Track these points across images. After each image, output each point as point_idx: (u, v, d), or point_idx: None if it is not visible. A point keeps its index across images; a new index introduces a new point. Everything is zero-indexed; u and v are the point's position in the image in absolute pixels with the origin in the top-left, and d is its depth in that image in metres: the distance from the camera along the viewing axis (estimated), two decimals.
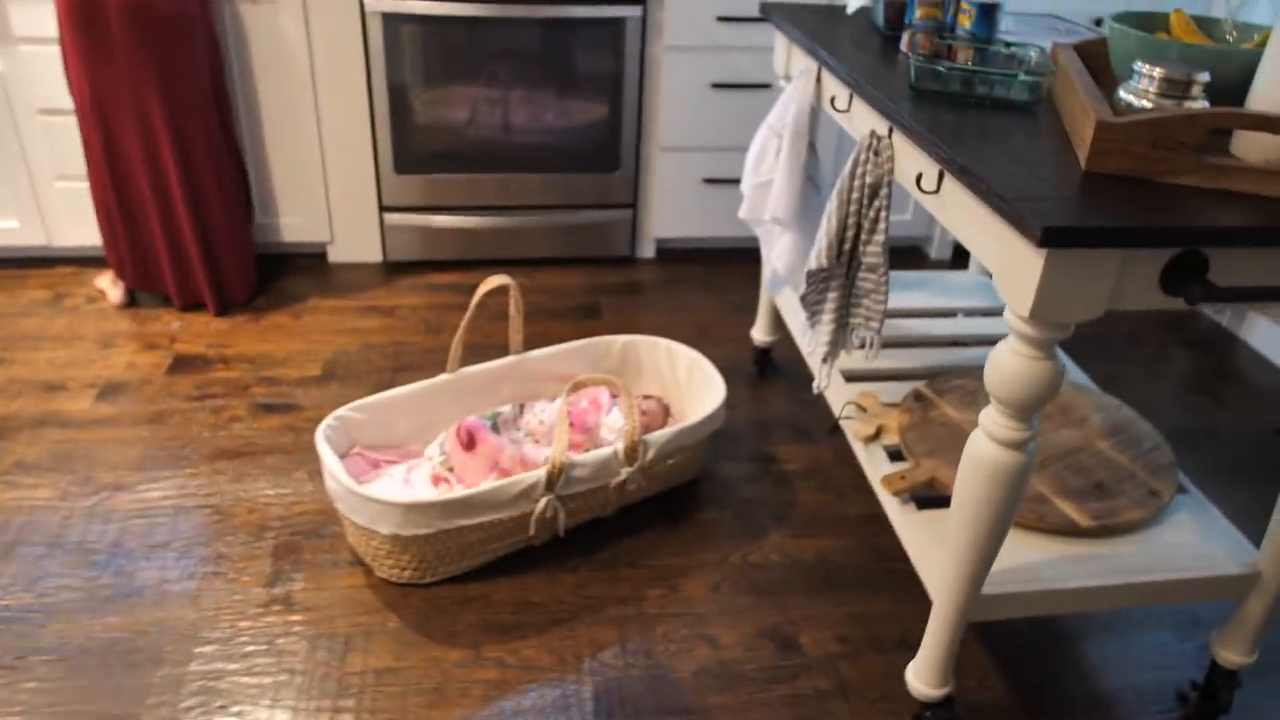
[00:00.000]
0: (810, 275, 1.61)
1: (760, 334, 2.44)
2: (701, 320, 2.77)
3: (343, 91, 2.70)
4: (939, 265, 3.18)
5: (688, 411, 2.18)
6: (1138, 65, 1.21)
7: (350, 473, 1.92)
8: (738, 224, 3.01)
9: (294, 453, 2.16)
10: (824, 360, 1.68)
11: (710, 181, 2.97)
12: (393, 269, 2.96)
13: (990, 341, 2.16)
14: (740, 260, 3.13)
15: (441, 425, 2.06)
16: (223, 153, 2.56)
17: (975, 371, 1.93)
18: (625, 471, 1.84)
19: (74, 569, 1.82)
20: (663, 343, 2.20)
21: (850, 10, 2.04)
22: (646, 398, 2.15)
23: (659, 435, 1.88)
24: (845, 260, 1.58)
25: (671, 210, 3.01)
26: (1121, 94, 1.23)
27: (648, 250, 3.11)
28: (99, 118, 2.40)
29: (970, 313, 2.28)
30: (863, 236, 1.56)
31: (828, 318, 1.64)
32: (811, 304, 1.67)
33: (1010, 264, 1.13)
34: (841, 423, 1.84)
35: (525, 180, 2.89)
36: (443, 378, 2.04)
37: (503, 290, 1.95)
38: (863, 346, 1.66)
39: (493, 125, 2.80)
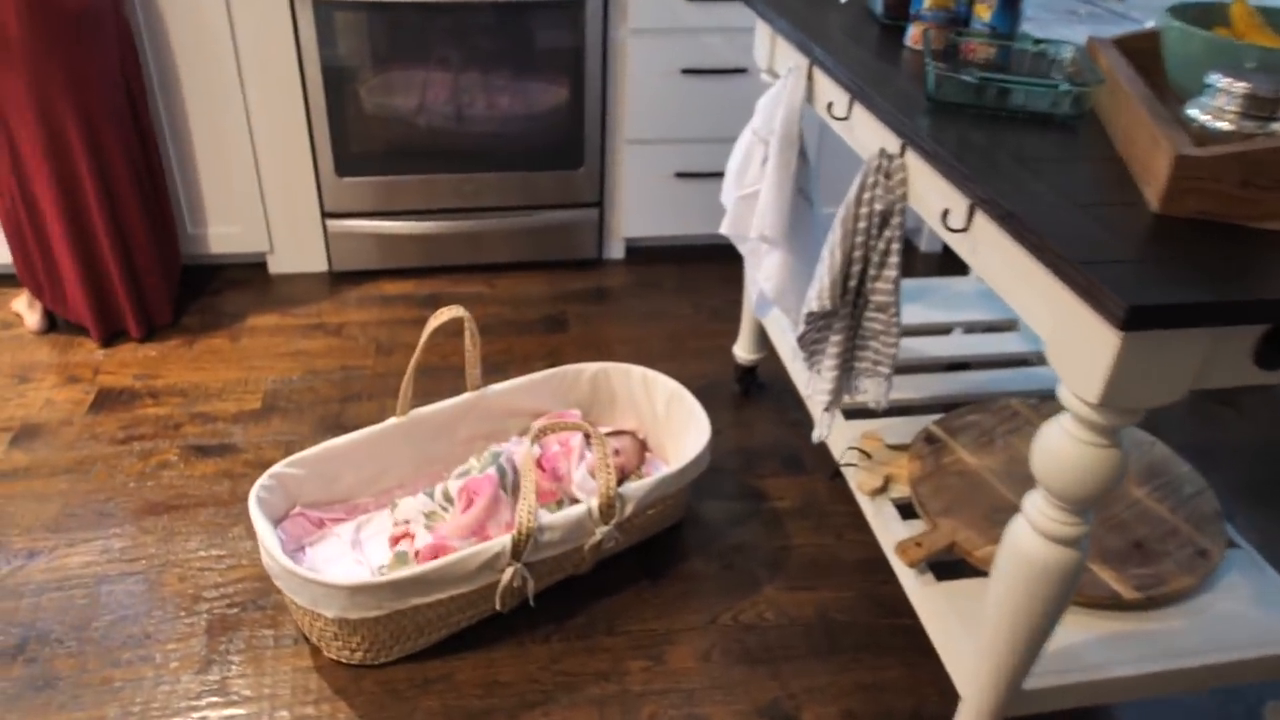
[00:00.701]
0: (810, 317, 1.40)
1: (744, 352, 2.23)
2: (676, 329, 2.56)
3: (273, 87, 2.43)
4: (929, 260, 2.98)
5: (667, 447, 1.97)
6: (1213, 79, 1.00)
7: (291, 536, 1.70)
8: (713, 221, 2.78)
9: (230, 504, 1.92)
10: (826, 409, 1.47)
11: (682, 175, 2.74)
12: (340, 279, 2.71)
13: (998, 364, 1.96)
14: (717, 260, 2.90)
15: (393, 475, 1.84)
16: (140, 159, 2.29)
17: (988, 404, 1.74)
18: (601, 531, 1.63)
19: None
20: (637, 371, 1.98)
21: None
22: (619, 433, 1.93)
23: (637, 488, 1.67)
24: (850, 299, 1.37)
25: (641, 208, 2.78)
26: (1193, 114, 1.02)
27: (616, 251, 2.88)
28: (1, 127, 2.12)
29: (971, 328, 2.08)
30: (871, 272, 1.34)
31: (830, 363, 1.43)
32: (810, 345, 1.46)
33: (1071, 337, 0.92)
34: (844, 469, 1.64)
35: (481, 180, 2.65)
36: (391, 422, 1.81)
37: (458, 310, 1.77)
38: (871, 378, 1.45)
39: (443, 122, 2.55)
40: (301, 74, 2.42)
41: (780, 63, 1.85)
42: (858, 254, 1.35)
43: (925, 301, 2.13)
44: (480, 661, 1.62)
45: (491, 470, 1.69)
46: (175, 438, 2.10)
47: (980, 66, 1.33)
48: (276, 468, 1.69)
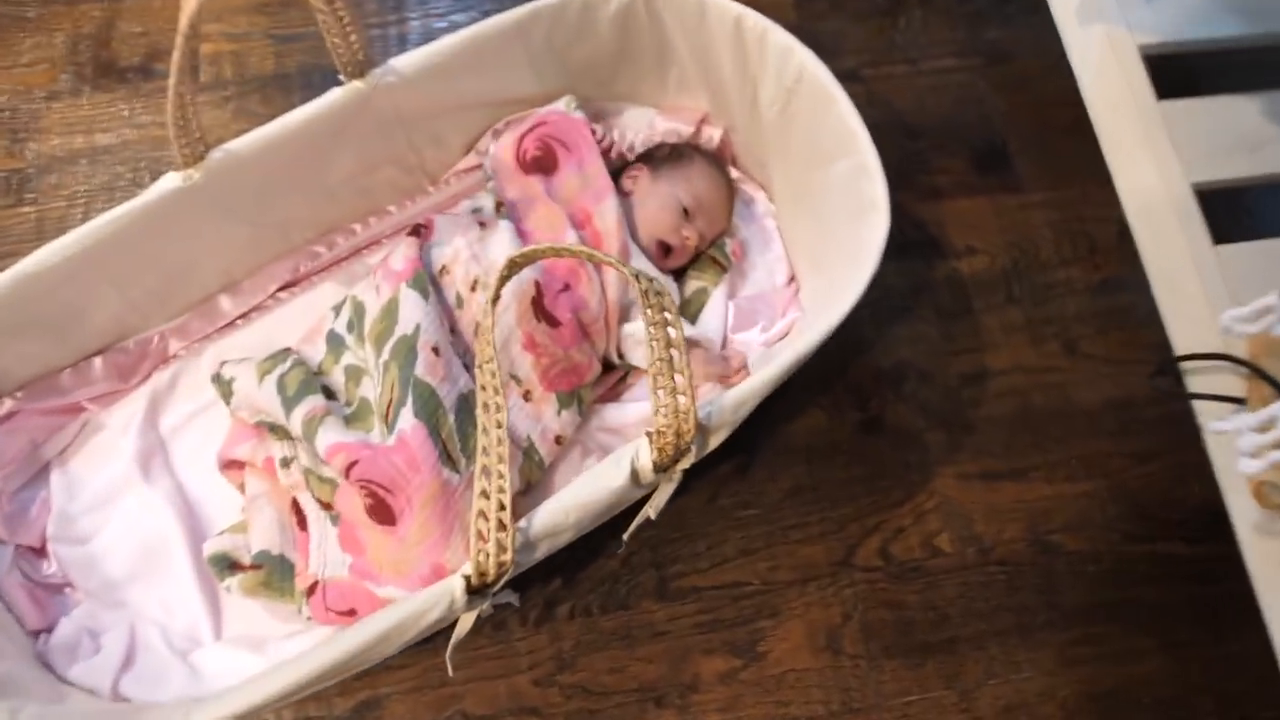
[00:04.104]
0: None
1: None
2: None
3: None
4: None
5: (771, 166, 0.97)
6: None
7: (8, 456, 0.82)
8: None
9: None
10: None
11: None
12: None
13: None
14: None
15: (208, 273, 0.88)
16: None
17: None
18: (663, 492, 0.76)
19: None
20: (725, 5, 0.88)
21: None
22: (682, 151, 0.93)
23: (737, 398, 0.74)
24: None
25: None
26: None
27: None
28: None
29: None
30: None
31: None
32: None
33: None
34: (1200, 405, 0.72)
35: None
36: (172, 183, 0.78)
37: None
38: None
39: None
40: None
41: None
42: None
43: None
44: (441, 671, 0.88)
45: (409, 415, 0.74)
46: None
47: None
48: None
